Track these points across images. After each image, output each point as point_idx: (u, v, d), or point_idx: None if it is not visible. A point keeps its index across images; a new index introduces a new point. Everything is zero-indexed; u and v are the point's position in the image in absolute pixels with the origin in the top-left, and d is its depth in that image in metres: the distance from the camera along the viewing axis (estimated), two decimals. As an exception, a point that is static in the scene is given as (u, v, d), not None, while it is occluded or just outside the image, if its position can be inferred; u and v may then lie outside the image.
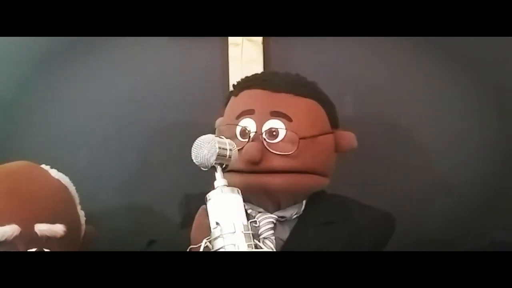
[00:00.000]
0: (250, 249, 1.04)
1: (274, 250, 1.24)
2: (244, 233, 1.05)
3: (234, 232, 1.04)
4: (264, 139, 1.25)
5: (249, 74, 1.39)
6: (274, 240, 1.26)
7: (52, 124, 1.67)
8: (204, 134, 1.13)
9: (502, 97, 1.62)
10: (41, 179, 1.26)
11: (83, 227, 1.32)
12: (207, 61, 1.65)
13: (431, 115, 1.63)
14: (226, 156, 1.11)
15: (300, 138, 1.25)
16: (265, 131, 1.26)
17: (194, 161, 1.11)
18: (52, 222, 1.19)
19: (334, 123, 1.35)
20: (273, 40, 1.63)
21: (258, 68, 1.59)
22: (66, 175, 1.32)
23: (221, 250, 1.04)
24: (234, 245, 1.03)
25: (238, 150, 1.16)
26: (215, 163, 1.10)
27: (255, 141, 1.25)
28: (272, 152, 1.25)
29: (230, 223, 1.05)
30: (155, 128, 1.67)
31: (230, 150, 1.11)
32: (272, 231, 1.27)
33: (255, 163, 1.23)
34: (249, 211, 1.28)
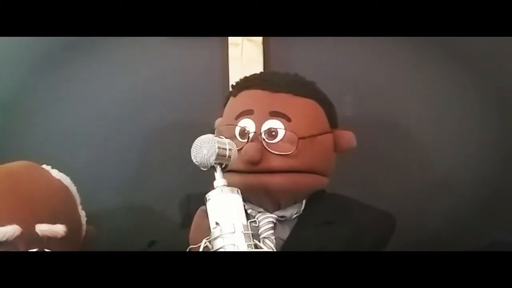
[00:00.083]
0: (250, 249, 1.04)
1: (274, 250, 1.24)
2: (244, 233, 1.05)
3: (234, 232, 1.04)
4: (263, 139, 1.25)
5: (249, 74, 1.40)
6: (274, 240, 1.26)
7: (52, 124, 1.67)
8: (204, 134, 1.13)
9: (502, 97, 1.62)
10: (42, 179, 1.26)
11: (84, 227, 1.32)
12: (207, 61, 1.65)
13: (431, 115, 1.63)
14: (225, 156, 1.11)
15: (299, 138, 1.25)
16: (264, 131, 1.26)
17: (194, 161, 1.11)
18: (53, 222, 1.19)
19: (333, 122, 1.35)
20: (273, 40, 1.63)
21: (258, 68, 1.59)
22: (66, 175, 1.32)
23: (220, 250, 1.04)
24: (234, 245, 1.04)
25: (238, 150, 1.16)
26: (215, 163, 1.10)
27: (254, 141, 1.25)
28: (271, 152, 1.25)
29: (229, 223, 1.05)
30: (155, 128, 1.67)
31: (230, 150, 1.11)
32: (272, 231, 1.27)
33: (254, 163, 1.23)
34: (249, 211, 1.28)
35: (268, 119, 1.27)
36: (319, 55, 1.63)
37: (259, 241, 1.12)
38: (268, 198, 1.28)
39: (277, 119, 1.27)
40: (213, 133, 1.17)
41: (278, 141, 1.26)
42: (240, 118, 1.29)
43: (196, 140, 1.11)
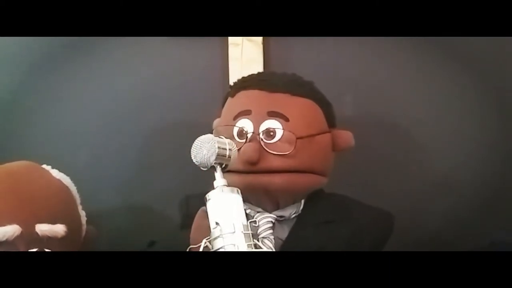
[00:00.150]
0: (250, 249, 1.04)
1: (273, 249, 1.24)
2: (244, 233, 1.05)
3: (234, 232, 1.04)
4: (262, 139, 1.25)
5: (249, 74, 1.39)
6: (273, 240, 1.26)
7: (52, 124, 1.67)
8: (204, 134, 1.13)
9: (502, 97, 1.62)
10: (42, 179, 1.26)
11: (84, 227, 1.32)
12: (207, 61, 1.65)
13: (431, 115, 1.63)
14: (225, 156, 1.11)
15: (297, 138, 1.25)
16: (262, 131, 1.26)
17: (194, 161, 1.11)
18: (53, 222, 1.19)
19: (331, 122, 1.35)
20: (273, 40, 1.63)
21: (258, 68, 1.59)
22: (66, 175, 1.32)
23: (220, 250, 1.04)
24: (234, 245, 1.03)
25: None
26: (215, 163, 1.10)
27: (252, 141, 1.25)
28: (270, 152, 1.25)
29: (229, 223, 1.05)
30: (155, 128, 1.67)
31: (230, 150, 1.11)
32: (271, 231, 1.27)
33: (252, 163, 1.23)
34: (247, 211, 1.28)
35: (266, 119, 1.27)
36: (319, 55, 1.63)
37: (258, 241, 1.12)
38: (267, 198, 1.28)
39: (275, 119, 1.27)
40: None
41: (276, 141, 1.26)
42: (238, 118, 1.29)
43: (196, 140, 1.11)
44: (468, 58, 1.61)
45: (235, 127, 1.28)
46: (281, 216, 1.29)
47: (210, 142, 1.10)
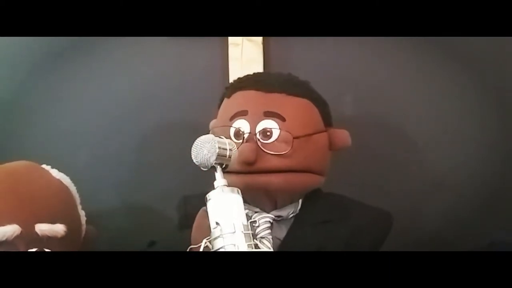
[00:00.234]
0: (250, 249, 1.04)
1: (272, 249, 1.24)
2: (244, 233, 1.05)
3: (234, 232, 1.04)
4: (258, 140, 1.25)
5: (245, 75, 1.40)
6: (271, 240, 1.26)
7: (52, 124, 1.67)
8: (204, 134, 1.13)
9: (502, 97, 1.62)
10: (42, 179, 1.26)
11: (84, 227, 1.32)
12: (207, 61, 1.65)
13: (431, 115, 1.63)
14: (226, 156, 1.11)
15: (294, 138, 1.25)
16: (259, 131, 1.26)
17: (194, 161, 1.11)
18: (53, 222, 1.19)
19: (328, 121, 1.35)
20: (273, 40, 1.63)
21: (258, 68, 1.59)
22: (66, 175, 1.32)
23: (221, 250, 1.04)
24: (234, 245, 1.03)
25: (234, 150, 1.16)
26: (215, 163, 1.10)
27: (249, 142, 1.25)
28: (267, 152, 1.25)
29: (230, 223, 1.05)
30: (155, 128, 1.67)
31: (230, 150, 1.12)
32: (269, 231, 1.27)
33: (250, 163, 1.23)
34: (245, 211, 1.28)
35: (263, 119, 1.27)
36: (319, 55, 1.63)
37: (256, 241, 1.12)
38: (264, 198, 1.28)
39: (272, 119, 1.27)
40: (209, 135, 1.17)
41: (273, 141, 1.26)
42: (235, 119, 1.29)
43: (196, 140, 1.11)
44: (468, 58, 1.61)
45: (231, 128, 1.28)
46: (279, 216, 1.29)
47: (211, 142, 1.10)
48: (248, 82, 1.34)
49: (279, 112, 1.27)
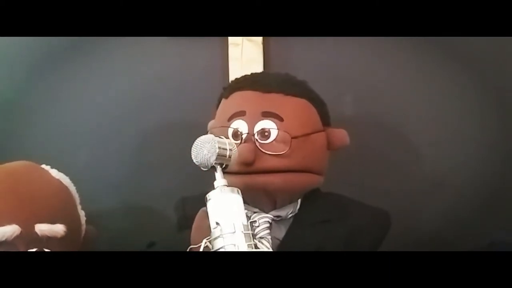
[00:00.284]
0: (250, 249, 1.04)
1: (271, 249, 1.24)
2: (244, 233, 1.05)
3: (234, 232, 1.04)
4: (257, 140, 1.25)
5: (242, 75, 1.39)
6: (270, 240, 1.26)
7: (52, 124, 1.67)
8: (204, 134, 1.13)
9: (502, 97, 1.62)
10: (42, 179, 1.26)
11: (84, 227, 1.32)
12: (207, 61, 1.65)
13: (431, 115, 1.63)
14: (226, 156, 1.11)
15: (292, 138, 1.25)
16: (257, 132, 1.26)
17: (194, 161, 1.11)
18: (53, 222, 1.19)
19: (326, 121, 1.35)
20: (273, 40, 1.63)
21: (258, 68, 1.59)
22: (66, 175, 1.32)
23: (221, 250, 1.04)
24: (234, 245, 1.03)
25: (232, 151, 1.16)
26: (215, 163, 1.10)
27: (247, 142, 1.25)
28: (265, 153, 1.25)
29: (230, 223, 1.05)
30: (155, 128, 1.67)
31: (230, 150, 1.12)
32: (268, 231, 1.27)
33: (248, 164, 1.23)
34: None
35: (261, 120, 1.27)
36: (319, 55, 1.63)
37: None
38: (264, 198, 1.28)
39: (270, 119, 1.27)
40: (207, 136, 1.17)
41: (272, 141, 1.26)
42: (233, 119, 1.29)
43: (196, 140, 1.11)
44: (468, 58, 1.61)
45: (230, 128, 1.28)
46: (278, 216, 1.29)
47: (211, 142, 1.10)
48: (245, 83, 1.34)
49: (277, 112, 1.27)
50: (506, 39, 1.47)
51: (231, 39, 1.62)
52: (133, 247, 1.32)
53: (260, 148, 1.25)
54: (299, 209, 1.31)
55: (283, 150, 1.25)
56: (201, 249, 1.05)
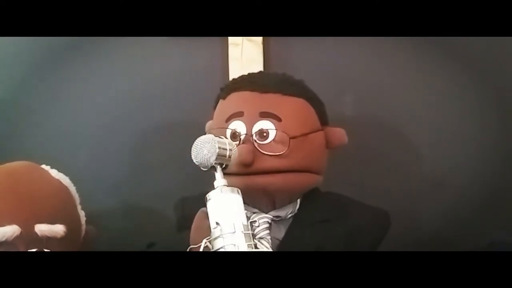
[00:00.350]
0: (250, 249, 1.04)
1: (271, 250, 1.24)
2: (244, 233, 1.05)
3: (234, 232, 1.04)
4: (255, 141, 1.25)
5: (239, 76, 1.39)
6: (270, 240, 1.26)
7: (52, 124, 1.67)
8: (204, 134, 1.13)
9: (502, 97, 1.62)
10: (42, 179, 1.26)
11: (84, 227, 1.32)
12: (207, 61, 1.65)
13: (431, 115, 1.63)
14: (226, 156, 1.11)
15: (290, 138, 1.25)
16: (255, 132, 1.26)
17: (194, 161, 1.11)
18: (53, 222, 1.19)
19: (324, 120, 1.35)
20: (273, 40, 1.63)
21: (258, 68, 1.59)
22: (66, 175, 1.32)
23: (221, 250, 1.04)
24: (234, 245, 1.03)
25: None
26: (215, 163, 1.10)
27: (245, 143, 1.25)
28: (264, 153, 1.24)
29: (230, 223, 1.05)
30: (155, 128, 1.67)
31: (230, 150, 1.12)
32: (267, 231, 1.27)
33: (247, 165, 1.23)
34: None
35: (259, 120, 1.27)
36: (319, 55, 1.63)
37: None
38: (263, 198, 1.28)
39: (268, 120, 1.27)
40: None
41: (270, 142, 1.26)
42: (231, 120, 1.28)
43: (196, 140, 1.11)
44: (468, 58, 1.61)
45: (228, 129, 1.27)
46: (277, 216, 1.29)
47: (211, 142, 1.10)
48: (243, 83, 1.34)
49: (275, 113, 1.27)
50: (506, 39, 1.47)
51: (231, 39, 1.62)
52: (133, 247, 1.32)
53: (259, 149, 1.25)
54: (298, 209, 1.31)
55: (281, 150, 1.25)
56: (201, 249, 1.05)
